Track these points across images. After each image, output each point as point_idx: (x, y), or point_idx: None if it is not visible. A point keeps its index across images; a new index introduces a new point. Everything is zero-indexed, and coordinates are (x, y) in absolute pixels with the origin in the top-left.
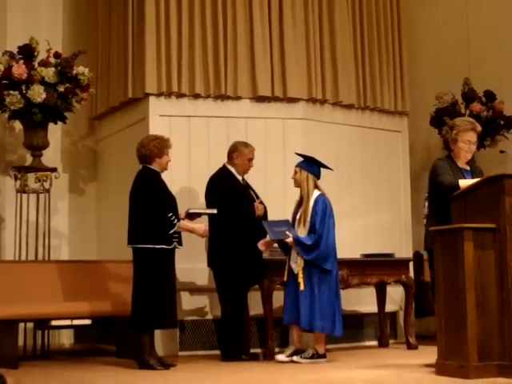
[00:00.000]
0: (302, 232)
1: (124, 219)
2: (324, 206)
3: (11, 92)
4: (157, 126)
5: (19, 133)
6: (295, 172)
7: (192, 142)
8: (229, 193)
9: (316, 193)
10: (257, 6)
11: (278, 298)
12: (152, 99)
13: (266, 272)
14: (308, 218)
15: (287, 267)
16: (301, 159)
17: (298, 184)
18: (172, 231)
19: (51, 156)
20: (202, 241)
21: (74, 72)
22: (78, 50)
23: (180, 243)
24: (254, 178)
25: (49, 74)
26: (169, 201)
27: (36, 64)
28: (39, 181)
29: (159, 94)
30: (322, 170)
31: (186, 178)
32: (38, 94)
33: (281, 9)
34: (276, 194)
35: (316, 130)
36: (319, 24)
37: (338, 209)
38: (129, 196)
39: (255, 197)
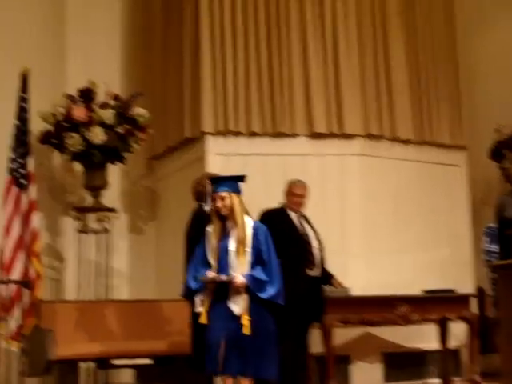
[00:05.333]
0: (241, 264)
1: (180, 258)
2: (267, 233)
3: (71, 134)
4: (214, 164)
5: (79, 174)
6: (222, 198)
7: (249, 180)
8: (275, 231)
9: (249, 218)
10: (311, 43)
11: (339, 335)
12: (209, 138)
13: (326, 309)
14: (248, 249)
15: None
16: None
17: (228, 210)
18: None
19: (111, 196)
20: None
21: (132, 113)
22: (135, 91)
23: None
24: (311, 215)
25: (108, 115)
26: None
27: (95, 106)
28: (99, 221)
29: (216, 133)
30: (381, 204)
31: None
32: (97, 135)
33: (335, 45)
34: (334, 231)
35: (373, 165)
36: (374, 58)
37: (397, 244)
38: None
39: (312, 232)
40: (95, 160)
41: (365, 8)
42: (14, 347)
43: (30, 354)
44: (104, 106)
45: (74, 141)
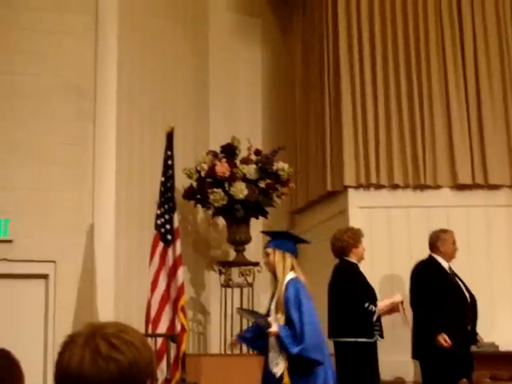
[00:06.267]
0: (278, 322)
1: (324, 312)
2: (295, 290)
3: (215, 190)
4: (356, 218)
5: (222, 228)
6: (267, 254)
7: (392, 232)
8: (434, 284)
9: (289, 275)
10: (453, 93)
11: None
12: (351, 191)
13: (474, 364)
14: (282, 306)
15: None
16: (272, 239)
17: (272, 268)
18: (375, 318)
19: (253, 250)
20: (406, 332)
21: (274, 168)
22: (277, 146)
23: (382, 335)
24: (457, 268)
25: (250, 170)
26: (367, 291)
27: (238, 161)
28: (243, 275)
29: (358, 186)
30: None
31: (388, 268)
32: (240, 190)
33: (478, 93)
34: (481, 284)
35: None
36: None
37: None
38: (327, 289)
39: (463, 285)
40: (238, 215)
41: (508, 56)
42: None
43: None
44: (246, 161)
45: (217, 196)
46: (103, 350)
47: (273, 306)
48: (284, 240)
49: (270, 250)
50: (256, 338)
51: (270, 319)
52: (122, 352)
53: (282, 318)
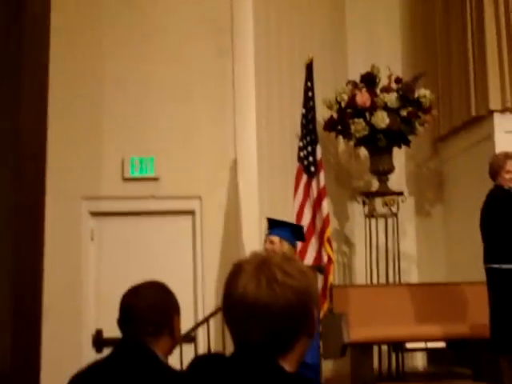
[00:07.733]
0: None
1: (472, 240)
2: None
3: (356, 120)
4: (502, 143)
5: (364, 159)
6: (271, 241)
7: None
8: None
9: None
10: None
11: None
12: (497, 116)
13: None
14: None
15: None
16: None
17: None
18: None
19: (397, 180)
20: None
21: (416, 95)
22: (417, 72)
23: None
24: None
25: (391, 99)
26: None
27: (378, 90)
28: (386, 205)
29: (504, 110)
30: None
31: None
32: (381, 119)
33: None
34: None
35: None
36: None
37: None
38: (480, 215)
39: None
40: (380, 144)
41: None
42: None
43: (325, 338)
44: (387, 89)
45: (358, 126)
46: (279, 278)
47: None
48: (288, 230)
49: (275, 239)
50: None
51: None
52: (298, 279)
53: None
